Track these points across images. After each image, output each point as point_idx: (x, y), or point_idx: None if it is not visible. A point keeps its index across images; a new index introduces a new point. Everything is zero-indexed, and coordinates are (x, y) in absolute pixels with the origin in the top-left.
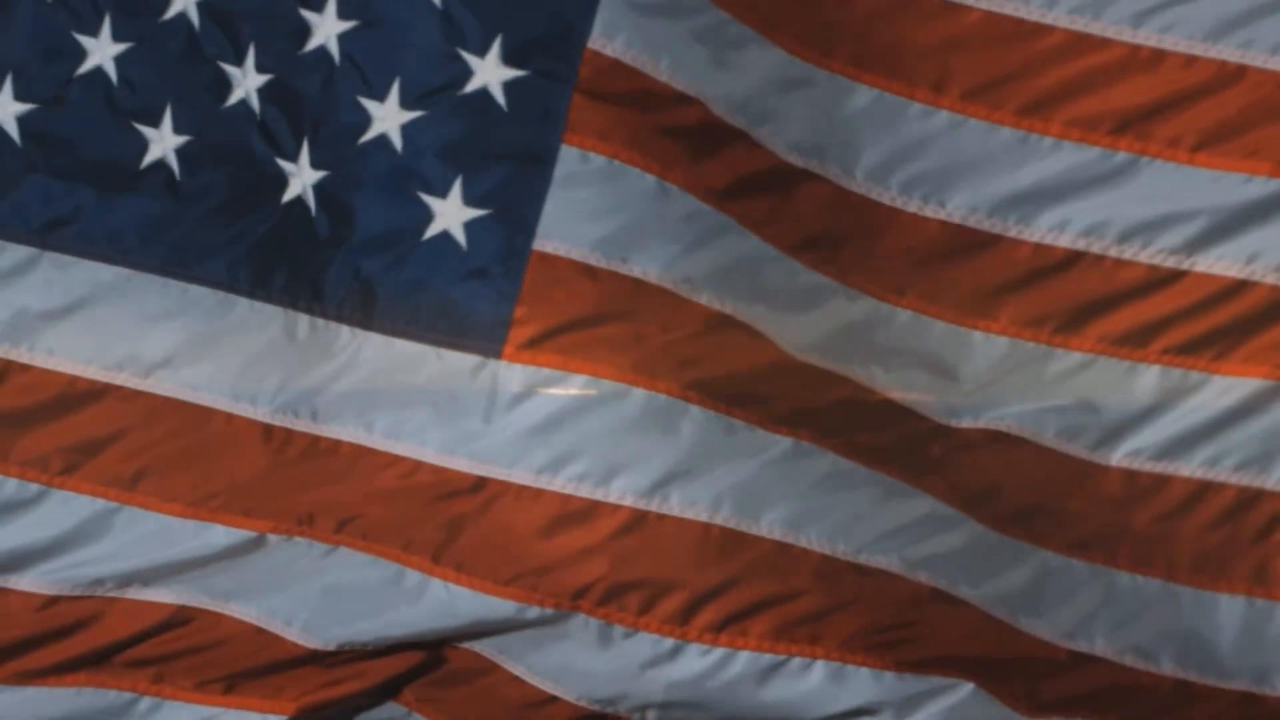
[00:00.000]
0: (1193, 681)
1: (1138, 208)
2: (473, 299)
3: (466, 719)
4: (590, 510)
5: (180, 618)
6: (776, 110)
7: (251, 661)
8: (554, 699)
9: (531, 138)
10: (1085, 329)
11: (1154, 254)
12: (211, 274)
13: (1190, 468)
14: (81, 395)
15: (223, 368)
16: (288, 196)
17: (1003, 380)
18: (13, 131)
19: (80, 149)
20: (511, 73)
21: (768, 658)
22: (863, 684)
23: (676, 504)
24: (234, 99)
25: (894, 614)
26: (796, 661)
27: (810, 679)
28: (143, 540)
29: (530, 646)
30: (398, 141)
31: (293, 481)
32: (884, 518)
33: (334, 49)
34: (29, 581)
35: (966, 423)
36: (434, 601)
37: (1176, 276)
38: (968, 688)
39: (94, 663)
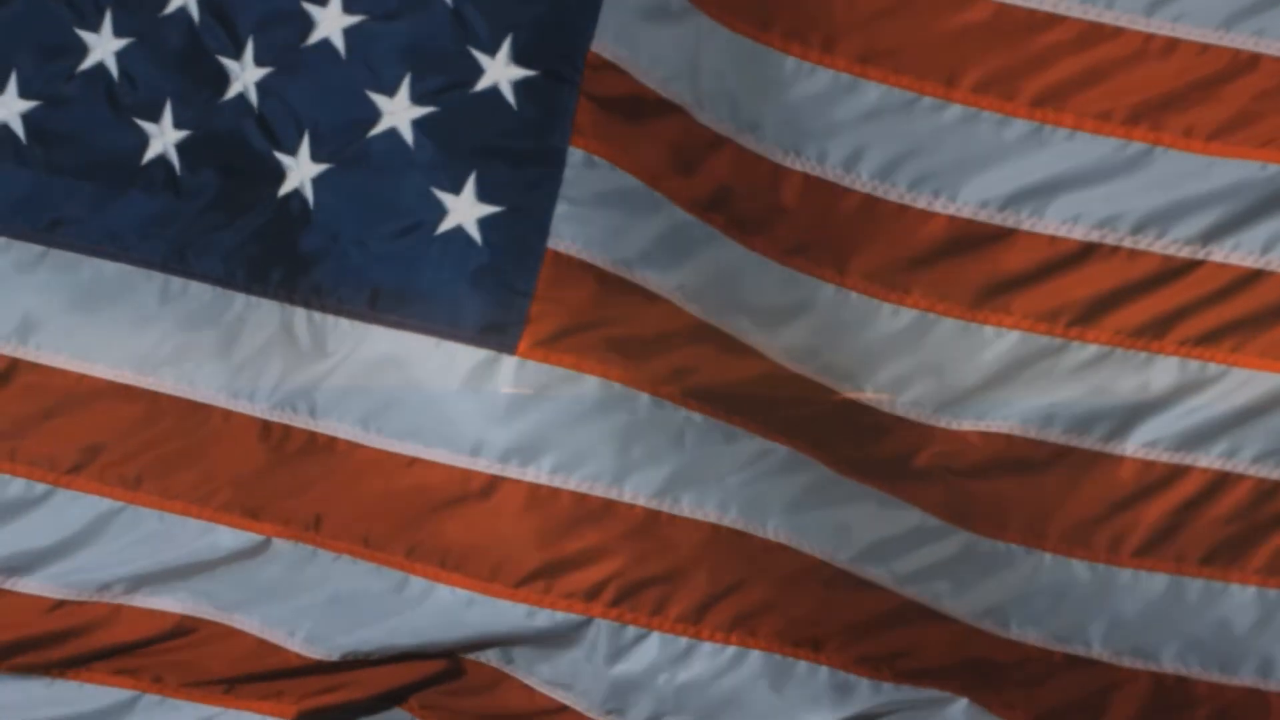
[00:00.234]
0: (1195, 679)
1: (1152, 198)
2: (487, 295)
3: None
4: (606, 509)
5: (184, 627)
6: (768, 112)
7: (253, 667)
8: (564, 708)
9: (541, 138)
10: (1101, 321)
11: (1168, 244)
12: (209, 270)
13: (1208, 459)
14: (87, 394)
15: (221, 364)
16: (285, 189)
17: (1014, 375)
18: (18, 129)
19: (83, 146)
20: (521, 72)
21: (777, 659)
22: (862, 694)
23: (686, 505)
24: (232, 92)
25: (887, 625)
26: (804, 666)
27: (816, 683)
28: (148, 541)
29: (539, 656)
30: (409, 136)
31: (293, 480)
32: (873, 530)
33: (340, 43)
34: (37, 584)
35: (968, 424)
36: (440, 608)
37: (1191, 266)
38: (961, 702)
39: (97, 660)
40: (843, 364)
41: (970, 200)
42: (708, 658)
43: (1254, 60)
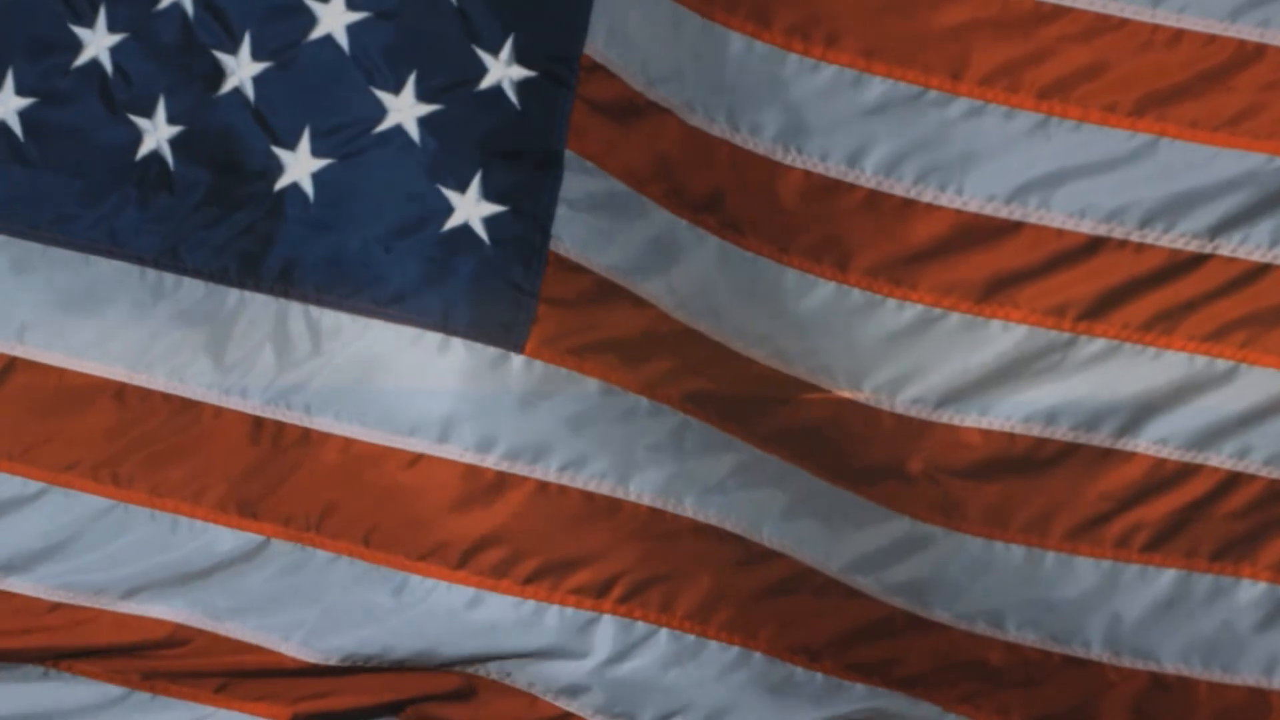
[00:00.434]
0: (1196, 678)
1: (1158, 189)
2: (494, 293)
3: None
4: (613, 507)
5: (179, 638)
6: (768, 111)
7: (246, 667)
8: (567, 715)
9: (541, 140)
10: (1109, 316)
11: (1176, 238)
12: (203, 265)
13: (1219, 459)
14: (80, 391)
15: (212, 360)
16: (282, 183)
17: (1021, 370)
18: (15, 127)
19: (78, 142)
20: (523, 73)
21: (777, 663)
22: (857, 699)
23: (689, 506)
24: (227, 87)
25: (877, 634)
26: (800, 672)
27: (813, 688)
28: (141, 543)
29: (542, 664)
30: (415, 133)
31: (290, 479)
32: (863, 540)
33: (343, 39)
34: (32, 585)
35: (971, 421)
36: (444, 609)
37: (1199, 261)
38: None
39: (90, 658)
40: (843, 362)
41: (977, 194)
42: (715, 656)
43: (1260, 50)
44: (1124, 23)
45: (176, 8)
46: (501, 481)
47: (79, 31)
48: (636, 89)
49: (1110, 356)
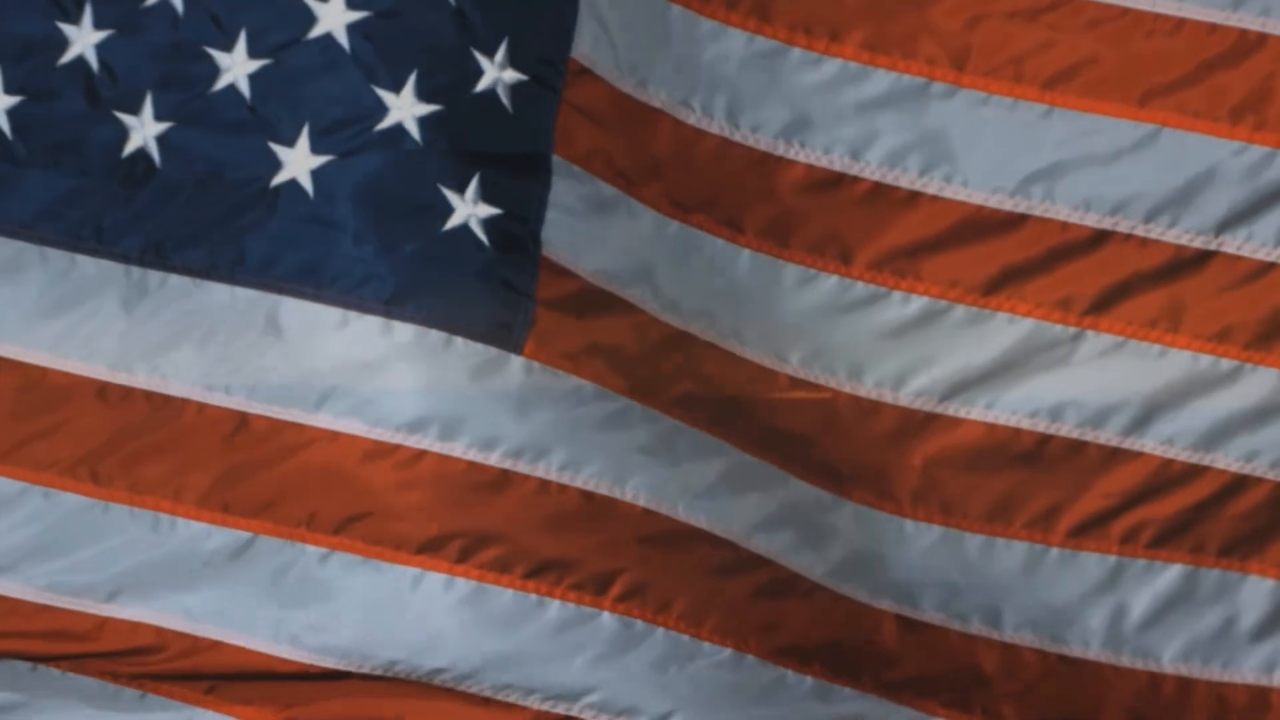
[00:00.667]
0: (1195, 677)
1: (1163, 182)
2: (494, 294)
3: None
4: (612, 507)
5: (162, 640)
6: (770, 106)
7: (235, 670)
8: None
9: (531, 144)
10: (1114, 310)
11: (1181, 234)
12: (191, 262)
13: (1226, 460)
14: (64, 390)
15: (200, 357)
16: (279, 180)
17: (1027, 364)
18: (4, 126)
19: (65, 140)
20: (515, 76)
21: (768, 666)
22: (846, 703)
23: (682, 511)
24: (221, 84)
25: (868, 638)
26: (790, 675)
27: (802, 691)
28: (124, 542)
29: (539, 668)
30: (415, 133)
31: (280, 474)
32: (853, 545)
33: (343, 38)
34: (19, 586)
35: (976, 414)
36: (446, 604)
37: (1204, 257)
38: None
39: (78, 660)
40: (844, 357)
41: (982, 186)
42: (709, 657)
43: (1261, 40)
44: (1125, 12)
45: (166, 5)
46: (504, 479)
47: (65, 28)
48: (626, 91)
49: (1116, 352)
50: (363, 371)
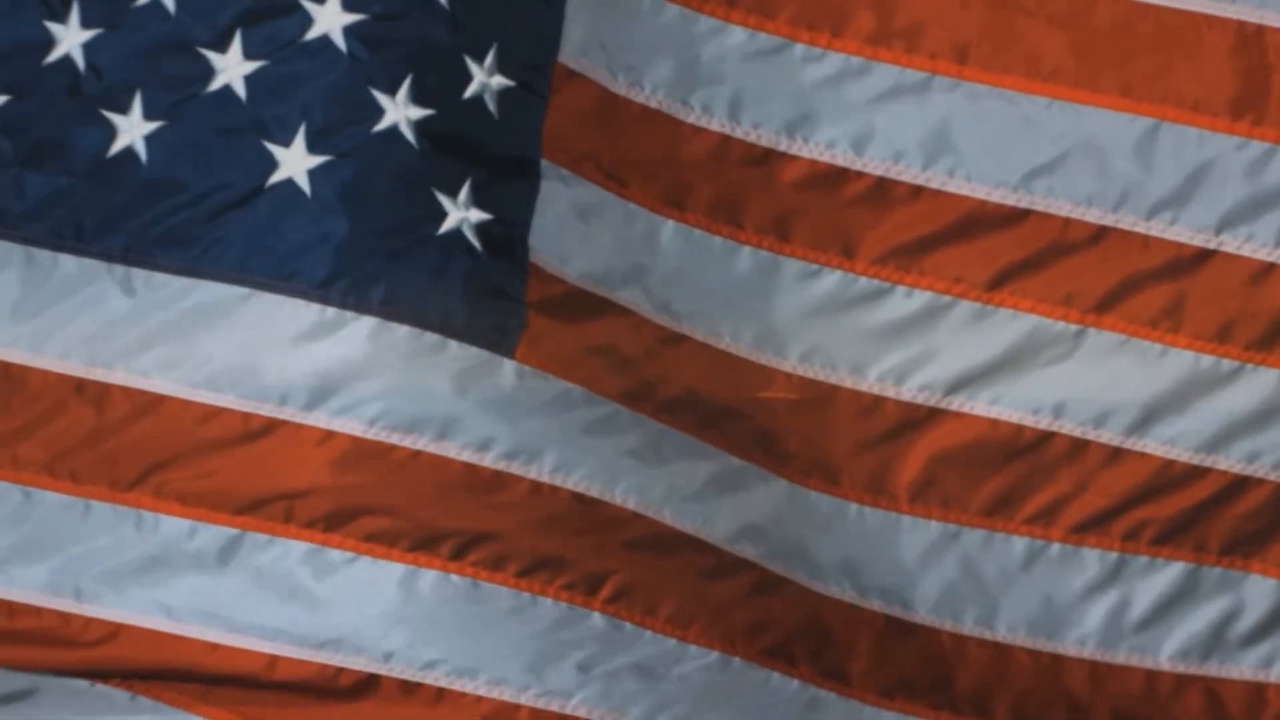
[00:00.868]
0: (1192, 674)
1: (1163, 178)
2: (486, 299)
3: None
4: (602, 510)
5: (145, 640)
6: (773, 101)
7: (225, 673)
8: (561, 716)
9: (519, 149)
10: (1116, 308)
11: (1181, 231)
12: (179, 260)
13: (1228, 462)
14: (42, 389)
15: (189, 355)
16: (276, 179)
17: (1030, 360)
18: None
19: (50, 139)
20: (503, 82)
21: (755, 668)
22: (832, 707)
23: (669, 515)
24: (216, 84)
25: (857, 641)
26: (777, 678)
27: (789, 693)
28: (114, 543)
29: (530, 671)
30: (411, 137)
31: (272, 473)
32: (840, 543)
33: (340, 41)
34: (3, 588)
35: (980, 409)
36: (442, 599)
37: (1205, 256)
38: None
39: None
40: (846, 352)
41: (985, 181)
42: (696, 660)
43: (1259, 32)
44: (1124, 5)
45: (157, 4)
46: (498, 480)
47: (52, 27)
48: (619, 92)
49: (1118, 351)
50: (358, 372)
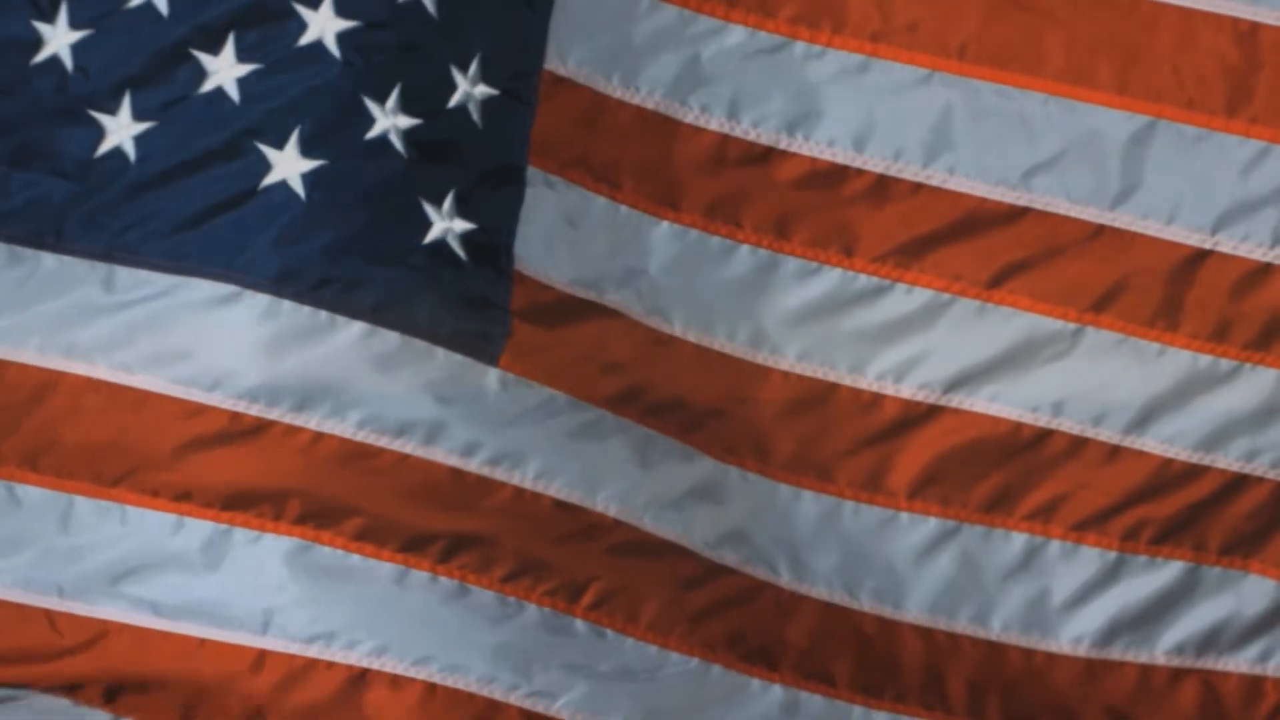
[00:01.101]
0: (1189, 668)
1: (1160, 176)
2: (472, 306)
3: None
4: (583, 516)
5: (128, 639)
6: (773, 100)
7: (210, 677)
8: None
9: (503, 157)
10: (1114, 307)
11: (1178, 230)
12: (165, 258)
13: (1227, 460)
14: (40, 387)
15: (173, 352)
16: (270, 180)
17: (1029, 358)
18: None
19: (36, 139)
20: (487, 91)
21: (733, 675)
22: (816, 710)
23: (649, 522)
24: (209, 85)
25: (845, 643)
26: (757, 684)
27: (768, 700)
28: (91, 537)
29: (518, 674)
30: (400, 146)
31: (261, 472)
32: (833, 544)
33: (333, 46)
34: None
35: (980, 406)
36: (429, 601)
37: (1201, 256)
38: None
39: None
40: (845, 350)
41: (985, 178)
42: (677, 667)
43: (1253, 30)
44: (1121, 2)
45: (149, 6)
46: (483, 485)
47: (40, 27)
48: (611, 95)
49: (1116, 349)
50: (347, 375)
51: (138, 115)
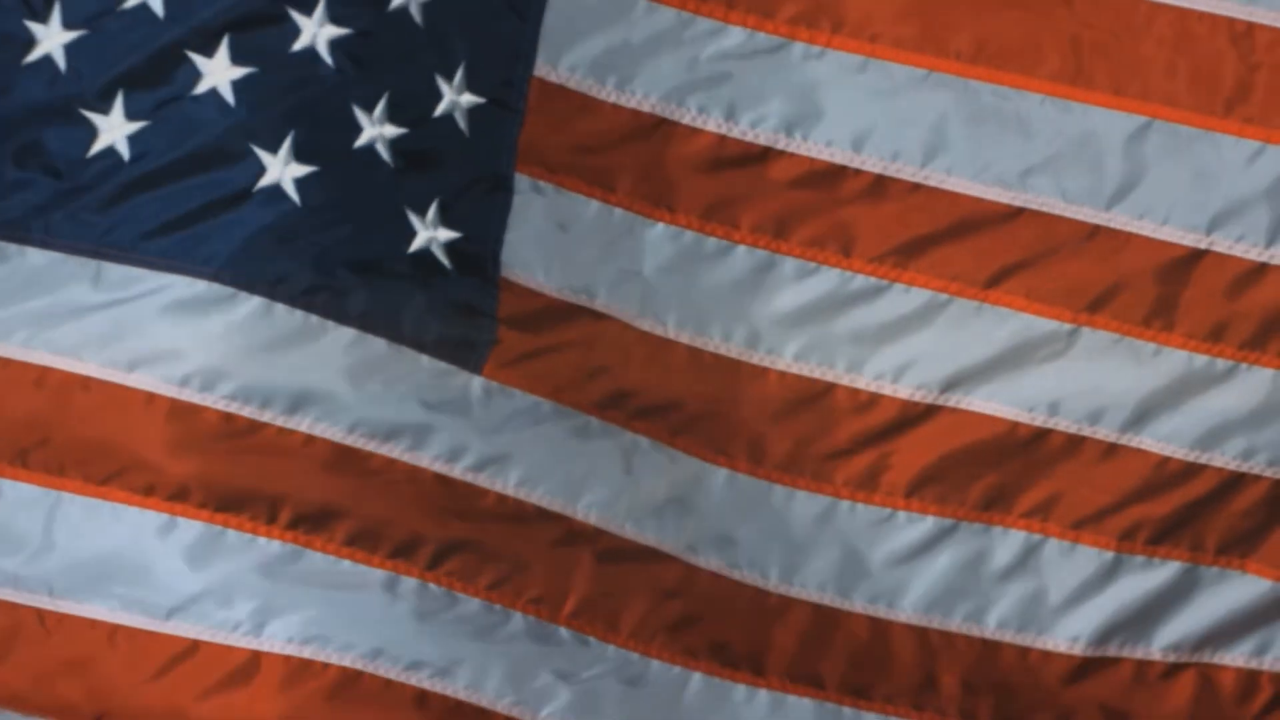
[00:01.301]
0: (1185, 662)
1: (1155, 175)
2: (458, 314)
3: None
4: (565, 523)
5: (116, 640)
6: (772, 101)
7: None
8: None
9: (490, 166)
10: (1109, 307)
11: (1173, 231)
12: (155, 256)
13: (1223, 459)
14: (28, 384)
15: (164, 349)
16: (264, 183)
17: (1026, 358)
18: None
19: (27, 138)
20: (473, 99)
21: (716, 681)
22: (806, 711)
23: (630, 529)
24: (202, 87)
25: (833, 644)
26: (742, 689)
27: (755, 704)
28: (80, 534)
29: (504, 681)
30: (386, 155)
31: (252, 472)
32: (822, 547)
33: (325, 53)
34: None
35: (976, 405)
36: (423, 608)
37: (1196, 256)
38: None
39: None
40: (844, 350)
41: (982, 178)
42: (659, 676)
43: (1248, 30)
44: (1116, 2)
45: (145, 8)
46: (470, 490)
47: (33, 27)
48: (604, 100)
49: (1112, 349)
50: (338, 380)
51: (130, 115)
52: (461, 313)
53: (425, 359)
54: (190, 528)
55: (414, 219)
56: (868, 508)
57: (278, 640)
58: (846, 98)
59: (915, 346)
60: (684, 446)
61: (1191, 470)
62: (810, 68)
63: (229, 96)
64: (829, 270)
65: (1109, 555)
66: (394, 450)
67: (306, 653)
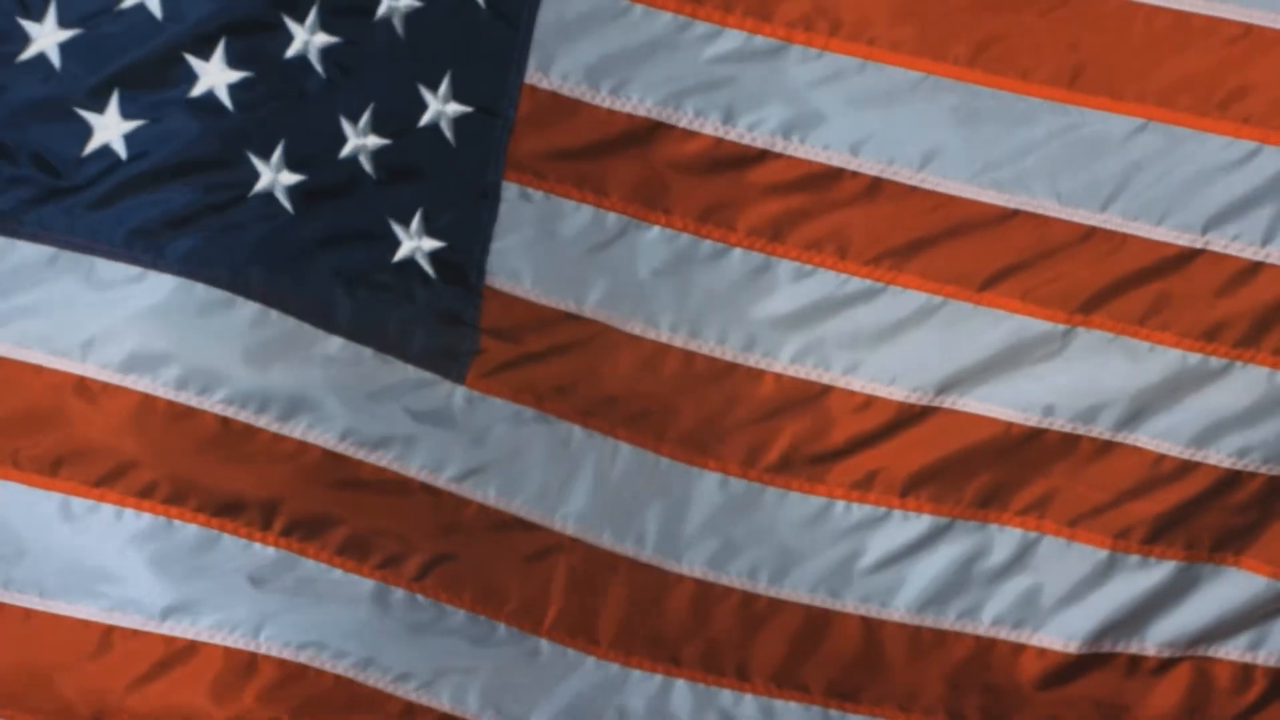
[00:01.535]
0: (1180, 657)
1: (1151, 178)
2: (441, 324)
3: None
4: (544, 534)
5: (109, 641)
6: (769, 104)
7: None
8: None
9: (477, 174)
10: (1104, 308)
11: (1168, 231)
12: (148, 256)
13: (1218, 456)
14: (21, 384)
15: (157, 349)
16: (258, 189)
17: (1020, 359)
18: None
19: (21, 136)
20: (459, 109)
21: (701, 688)
22: (794, 715)
23: (608, 538)
24: (199, 90)
25: (824, 647)
26: (728, 695)
27: (742, 710)
28: (76, 535)
29: (500, 679)
30: (369, 167)
31: (247, 474)
32: (816, 548)
33: (317, 63)
34: None
35: (973, 407)
36: (415, 621)
37: (1191, 256)
38: None
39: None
40: (841, 352)
41: (978, 181)
42: (638, 686)
43: (1246, 30)
44: (1113, 4)
45: (141, 8)
46: (454, 500)
47: (26, 25)
48: (599, 105)
49: (1106, 349)
50: (329, 388)
51: (126, 114)
52: (445, 322)
53: (410, 369)
54: (186, 531)
55: (398, 229)
56: (862, 507)
57: (274, 644)
58: (844, 101)
59: (911, 348)
60: (671, 453)
61: (1187, 468)
62: (808, 71)
63: (225, 100)
64: (825, 273)
65: (1104, 553)
66: (383, 459)
67: (303, 658)
